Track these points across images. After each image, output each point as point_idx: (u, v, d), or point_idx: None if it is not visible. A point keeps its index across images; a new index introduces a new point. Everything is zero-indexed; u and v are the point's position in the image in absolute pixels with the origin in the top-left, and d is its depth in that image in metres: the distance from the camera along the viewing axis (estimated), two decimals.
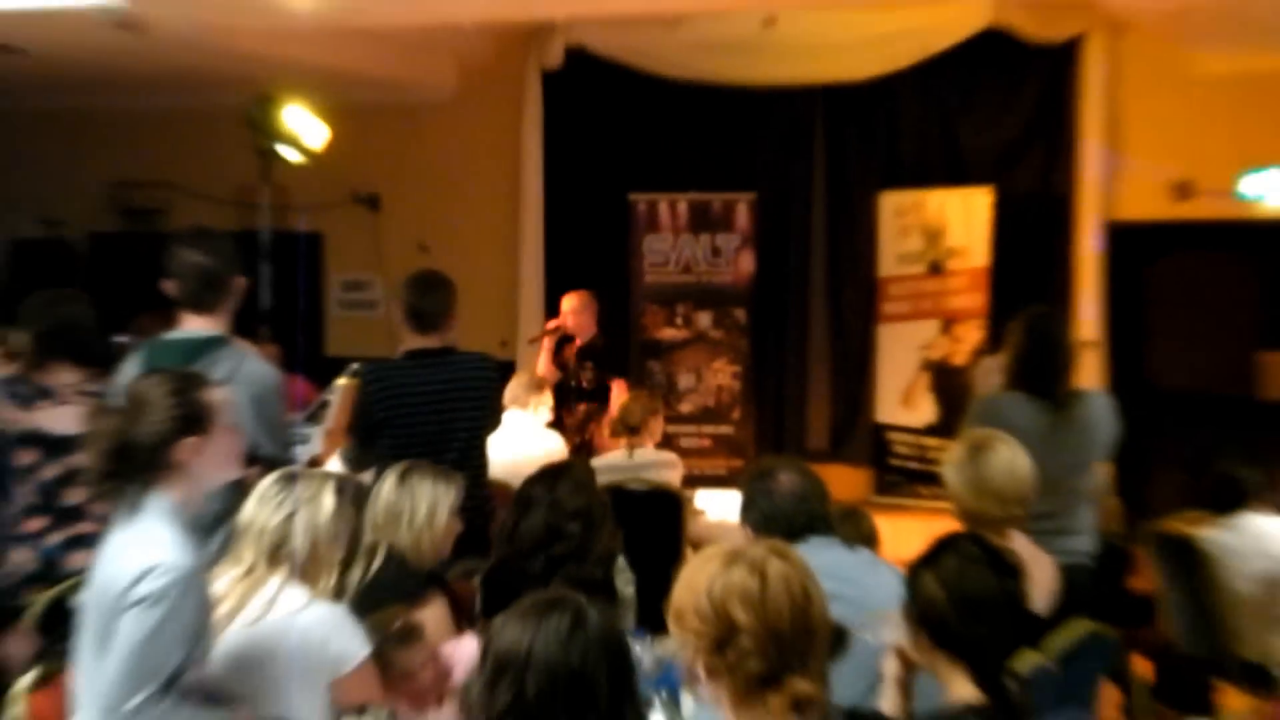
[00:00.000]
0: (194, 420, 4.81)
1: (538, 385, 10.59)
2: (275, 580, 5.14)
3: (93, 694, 4.67)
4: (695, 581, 3.87)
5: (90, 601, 4.79)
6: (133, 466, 4.73)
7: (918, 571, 4.62)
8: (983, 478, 6.05)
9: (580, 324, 11.77)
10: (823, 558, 4.92)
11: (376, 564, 5.99)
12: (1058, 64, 13.75)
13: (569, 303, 11.92)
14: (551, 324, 12.02)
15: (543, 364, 11.92)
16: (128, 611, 4.54)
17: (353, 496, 5.46)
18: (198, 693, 4.68)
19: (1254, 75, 13.06)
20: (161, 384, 4.88)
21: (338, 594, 5.34)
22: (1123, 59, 13.54)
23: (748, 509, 5.89)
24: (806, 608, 3.80)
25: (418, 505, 6.17)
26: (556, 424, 10.98)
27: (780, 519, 5.61)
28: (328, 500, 5.27)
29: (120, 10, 11.60)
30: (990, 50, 13.54)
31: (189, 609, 4.59)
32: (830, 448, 14.26)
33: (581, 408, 11.41)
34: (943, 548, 4.68)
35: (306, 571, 5.19)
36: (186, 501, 4.86)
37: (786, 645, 3.75)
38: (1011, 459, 6.12)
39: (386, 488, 6.23)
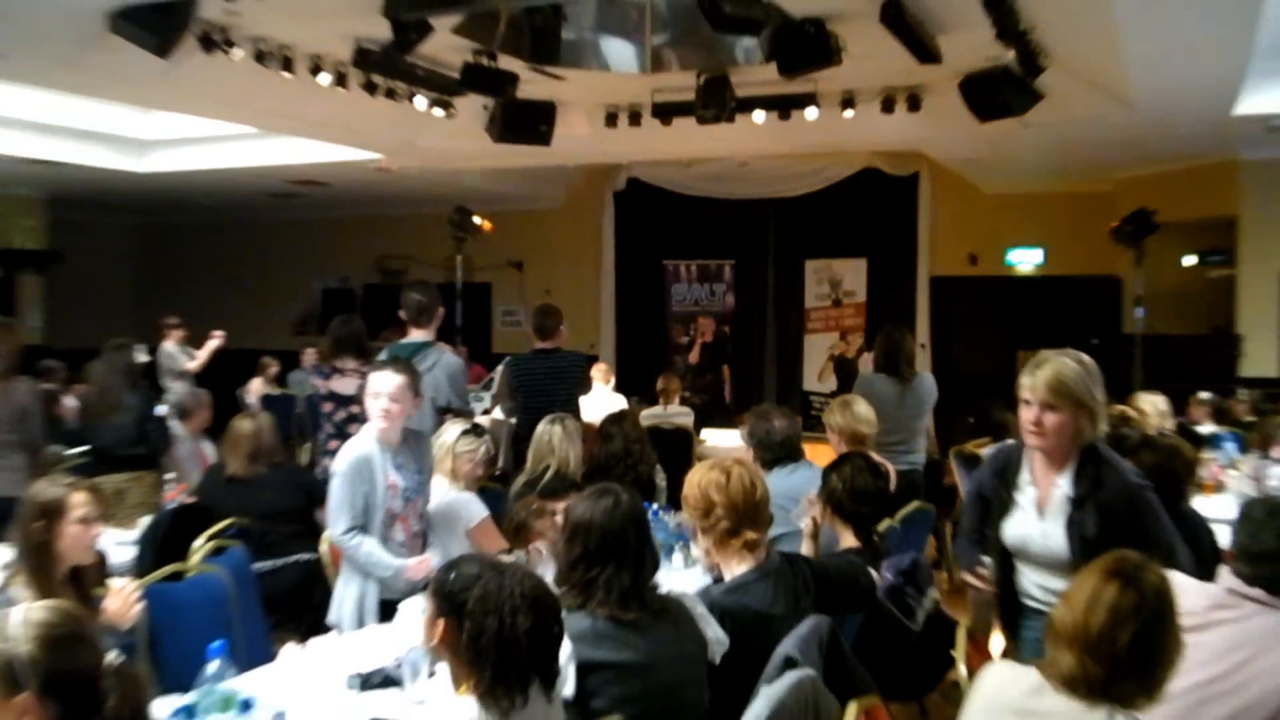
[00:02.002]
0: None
1: (609, 369, 11.05)
2: (442, 479, 5.41)
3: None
4: (693, 479, 3.98)
5: None
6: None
7: (828, 473, 4.86)
8: (855, 416, 6.05)
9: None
10: (797, 475, 5.48)
11: (550, 473, 6.00)
12: (904, 188, 14.60)
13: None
14: None
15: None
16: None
17: (481, 435, 5.75)
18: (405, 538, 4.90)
19: (1009, 195, 14.10)
20: (405, 369, 4.99)
21: (475, 489, 5.57)
22: (939, 186, 14.46)
23: (752, 434, 5.89)
24: (753, 492, 3.88)
25: (566, 440, 6.16)
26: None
27: (774, 446, 5.69)
28: (455, 432, 5.59)
29: (377, 161, 12.70)
30: (867, 180, 14.42)
31: (360, 479, 4.75)
32: (776, 403, 13.99)
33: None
34: (842, 460, 4.97)
35: (455, 474, 5.48)
36: (387, 430, 4.84)
37: (741, 513, 3.84)
38: (866, 408, 6.16)
39: (549, 430, 6.21)
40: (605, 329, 16.28)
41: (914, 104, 10.05)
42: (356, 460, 4.75)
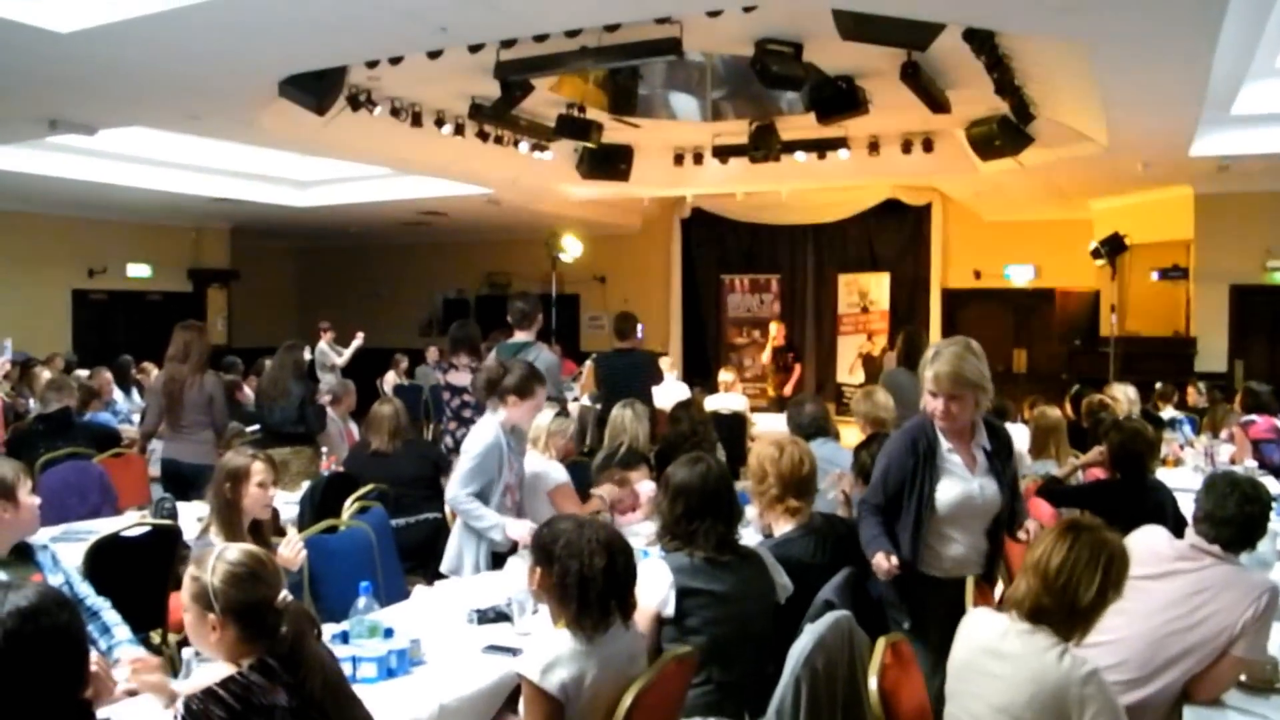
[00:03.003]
0: (516, 389, 4.81)
1: (674, 364, 11.15)
2: (532, 450, 5.24)
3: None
4: (755, 452, 4.04)
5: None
6: (490, 393, 4.94)
7: (858, 451, 4.74)
8: (875, 404, 5.94)
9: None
10: (825, 448, 5.29)
11: (623, 449, 5.92)
12: (920, 215, 14.59)
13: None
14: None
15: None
16: (462, 457, 4.84)
17: (568, 417, 5.65)
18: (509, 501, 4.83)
19: (1006, 222, 14.04)
20: (520, 369, 4.95)
21: (567, 463, 5.39)
22: (949, 213, 14.42)
23: (789, 418, 5.90)
24: (801, 467, 3.88)
25: (636, 421, 6.08)
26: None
27: (806, 425, 5.64)
28: (549, 416, 5.31)
29: (489, 194, 12.79)
30: (889, 208, 14.37)
31: (488, 458, 4.74)
32: (815, 393, 13.33)
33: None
34: (870, 440, 4.83)
35: (548, 449, 5.31)
36: (509, 419, 4.82)
37: (788, 483, 3.85)
38: (885, 397, 6.07)
39: (621, 413, 6.13)
40: (674, 331, 16.24)
41: (928, 146, 10.07)
42: (490, 445, 4.76)
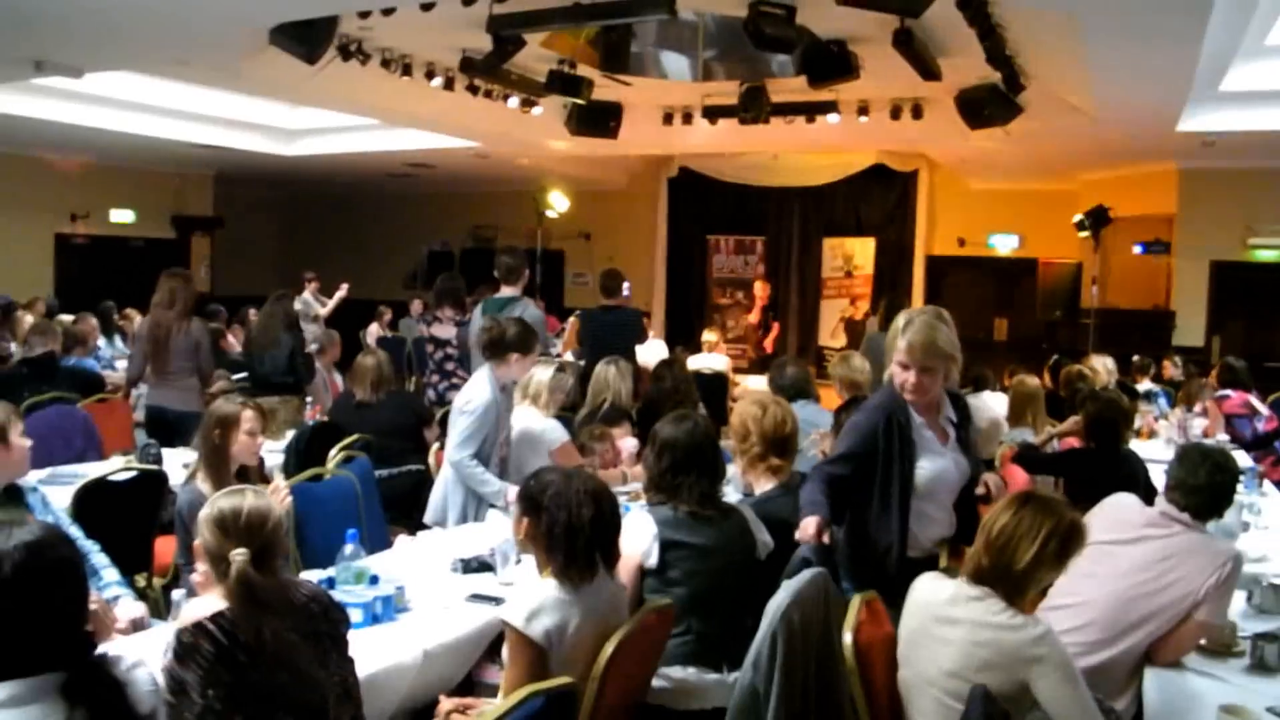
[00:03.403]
0: (519, 345, 4.85)
1: (652, 323, 11.30)
2: (528, 406, 5.31)
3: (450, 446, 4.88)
4: (737, 410, 4.07)
5: (452, 413, 5.02)
6: (493, 352, 4.86)
7: (838, 413, 4.94)
8: (851, 367, 6.12)
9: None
10: (806, 409, 5.33)
11: (606, 405, 5.98)
12: (906, 181, 14.59)
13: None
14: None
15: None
16: (459, 416, 4.82)
17: (564, 372, 5.64)
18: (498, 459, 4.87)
19: (992, 190, 14.08)
20: (516, 324, 4.96)
21: (555, 415, 5.38)
22: (935, 180, 14.45)
23: (772, 381, 5.99)
24: (783, 426, 3.92)
25: (619, 378, 6.12)
26: None
27: (787, 387, 5.71)
28: (549, 372, 5.38)
29: (476, 148, 12.74)
30: (875, 173, 14.36)
31: (486, 418, 4.74)
32: (797, 355, 12.65)
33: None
34: (850, 403, 5.05)
35: (545, 405, 5.32)
36: (502, 374, 4.84)
37: (770, 442, 3.89)
38: (861, 361, 6.21)
39: (605, 370, 6.17)
40: (658, 291, 16.22)
41: (917, 113, 10.06)
42: (486, 403, 4.76)
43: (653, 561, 3.31)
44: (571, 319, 11.18)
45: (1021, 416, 6.58)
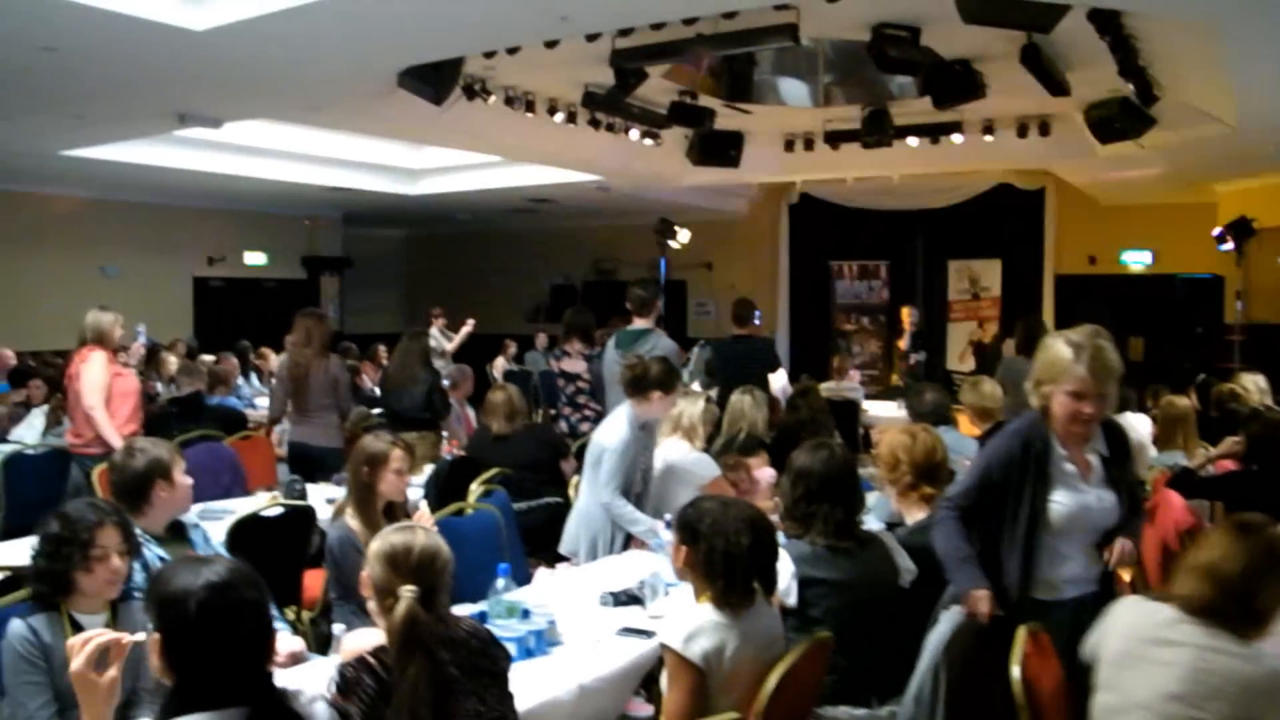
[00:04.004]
0: (662, 384, 4.82)
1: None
2: (679, 440, 5.32)
3: (590, 487, 4.90)
4: (885, 439, 4.04)
5: (590, 448, 4.99)
6: (636, 390, 4.84)
7: (983, 440, 4.72)
8: (982, 394, 5.88)
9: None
10: (948, 436, 4.98)
11: (742, 435, 6.01)
12: (1033, 200, 14.18)
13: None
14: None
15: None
16: (602, 454, 4.80)
17: (709, 402, 5.68)
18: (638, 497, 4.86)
19: (1123, 206, 13.51)
20: (659, 363, 4.93)
21: (705, 449, 5.42)
22: (1063, 198, 13.98)
23: (911, 407, 5.86)
24: (934, 454, 3.88)
25: (754, 407, 6.16)
26: None
27: (928, 414, 5.47)
28: (699, 405, 5.43)
29: (599, 181, 12.81)
30: (1001, 193, 14.03)
31: (628, 455, 4.74)
32: (923, 380, 12.46)
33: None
34: (994, 429, 4.64)
35: (689, 434, 5.35)
36: (643, 411, 4.85)
37: (922, 470, 3.83)
38: (992, 387, 6.00)
39: (740, 400, 6.21)
40: (780, 318, 16.12)
41: (1044, 130, 9.88)
42: (628, 441, 4.77)
43: (792, 601, 3.28)
44: (696, 349, 10.91)
45: (1171, 439, 6.34)
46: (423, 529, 2.63)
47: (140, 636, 2.07)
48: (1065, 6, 6.15)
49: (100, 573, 2.86)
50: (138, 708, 2.78)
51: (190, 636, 1.92)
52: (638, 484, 4.94)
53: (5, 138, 9.54)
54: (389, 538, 2.57)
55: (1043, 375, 3.29)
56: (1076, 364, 3.18)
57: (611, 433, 4.85)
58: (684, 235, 13.89)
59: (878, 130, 9.64)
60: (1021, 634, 2.74)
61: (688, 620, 2.80)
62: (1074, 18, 6.34)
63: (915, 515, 3.87)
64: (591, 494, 4.87)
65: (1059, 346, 3.25)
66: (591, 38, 6.90)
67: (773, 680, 2.69)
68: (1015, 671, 2.64)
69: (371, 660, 2.35)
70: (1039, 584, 3.25)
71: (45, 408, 8.08)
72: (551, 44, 6.93)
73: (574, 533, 4.96)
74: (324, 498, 5.59)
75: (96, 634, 2.13)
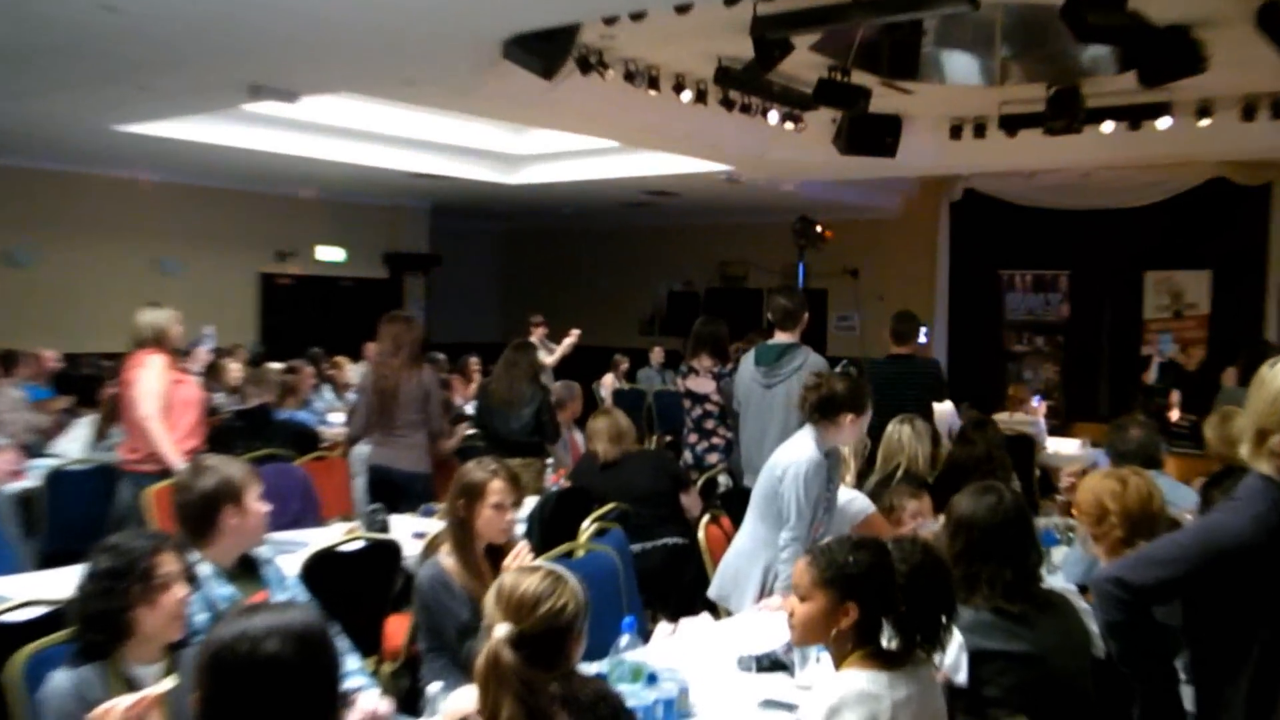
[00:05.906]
0: (853, 404, 4.70)
1: None
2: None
3: (756, 522, 4.84)
4: (1087, 485, 3.85)
5: (763, 475, 4.86)
6: (824, 413, 4.68)
7: (1207, 489, 4.56)
8: (1228, 433, 5.24)
9: None
10: (1159, 481, 4.40)
11: (900, 471, 5.90)
12: (1255, 198, 13.74)
13: None
14: None
15: None
16: (782, 483, 4.67)
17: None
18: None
19: None
20: (845, 381, 4.81)
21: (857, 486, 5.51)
22: None
23: (1112, 446, 5.59)
24: (1149, 502, 3.71)
25: (915, 439, 6.07)
26: None
27: (1132, 454, 5.25)
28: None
29: (729, 171, 12.79)
30: (1214, 190, 13.63)
31: (812, 484, 4.63)
32: (1109, 413, 13.30)
33: None
34: (1224, 475, 4.46)
35: (847, 469, 5.38)
36: (831, 437, 4.74)
37: (1135, 522, 3.65)
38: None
39: (898, 430, 6.13)
40: (938, 336, 15.87)
41: (1277, 111, 9.44)
42: (816, 471, 4.67)
43: (962, 679, 3.16)
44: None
45: None
46: (555, 574, 2.63)
47: (167, 684, 2.01)
48: None
49: (165, 605, 2.86)
50: None
51: (238, 707, 1.91)
52: (821, 521, 4.84)
53: (55, 109, 9.82)
54: (507, 575, 2.61)
55: (1268, 422, 2.78)
56: None
57: (798, 456, 4.71)
58: (824, 236, 13.58)
59: (1066, 113, 9.38)
60: None
61: (830, 690, 2.70)
62: None
63: None
64: (759, 530, 4.80)
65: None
66: (730, 2, 6.84)
67: None
68: None
69: None
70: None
71: (92, 418, 8.22)
72: (683, 8, 6.89)
73: (732, 573, 4.87)
74: (410, 531, 5.59)
75: (120, 701, 2.16)
